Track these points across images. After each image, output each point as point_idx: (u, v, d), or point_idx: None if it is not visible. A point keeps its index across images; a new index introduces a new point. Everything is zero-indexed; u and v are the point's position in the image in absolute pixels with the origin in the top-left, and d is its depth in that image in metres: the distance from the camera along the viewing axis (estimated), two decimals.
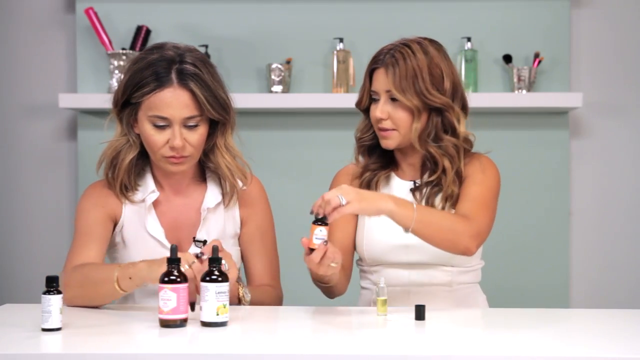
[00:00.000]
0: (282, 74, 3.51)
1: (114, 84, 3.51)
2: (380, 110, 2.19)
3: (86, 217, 2.18)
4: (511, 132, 3.59)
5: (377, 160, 2.29)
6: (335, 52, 3.53)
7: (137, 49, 3.53)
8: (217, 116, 2.14)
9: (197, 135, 2.13)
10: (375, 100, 2.22)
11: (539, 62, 3.53)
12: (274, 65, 3.51)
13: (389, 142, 2.21)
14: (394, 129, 2.19)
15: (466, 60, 3.50)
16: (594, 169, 3.67)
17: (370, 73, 2.23)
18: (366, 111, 2.27)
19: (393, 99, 2.18)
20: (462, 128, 2.21)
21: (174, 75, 2.09)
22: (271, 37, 3.60)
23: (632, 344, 1.75)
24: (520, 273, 3.55)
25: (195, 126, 2.12)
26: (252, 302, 2.10)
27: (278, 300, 2.27)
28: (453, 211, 2.19)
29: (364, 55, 3.58)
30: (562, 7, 3.58)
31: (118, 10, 3.59)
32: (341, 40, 3.54)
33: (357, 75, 3.56)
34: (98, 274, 2.04)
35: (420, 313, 1.93)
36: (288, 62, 3.53)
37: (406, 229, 2.03)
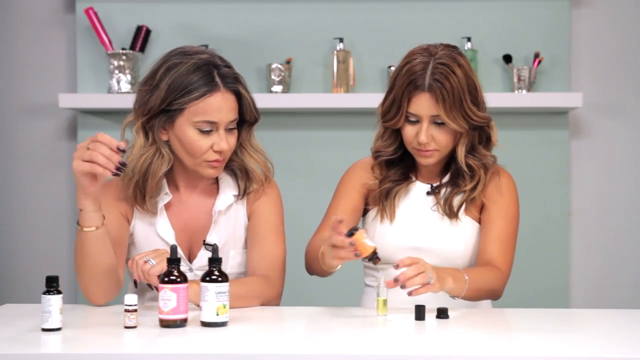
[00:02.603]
0: (282, 74, 3.51)
1: (114, 84, 3.51)
2: (425, 135, 2.15)
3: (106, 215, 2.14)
4: (511, 132, 3.59)
5: (398, 171, 2.28)
6: (335, 52, 3.53)
7: (137, 49, 3.53)
8: (255, 116, 2.18)
9: (234, 138, 2.15)
10: (413, 122, 2.18)
11: (539, 62, 3.53)
12: (274, 65, 3.51)
13: (430, 160, 2.21)
14: (436, 150, 2.19)
15: None
16: (594, 169, 3.67)
17: (409, 94, 2.15)
18: (387, 124, 2.23)
19: (437, 122, 2.15)
20: (495, 137, 2.24)
21: (218, 80, 2.10)
22: (271, 37, 3.60)
23: (632, 344, 1.75)
24: (520, 273, 3.54)
25: (233, 129, 2.14)
26: (231, 295, 1.88)
27: (270, 293, 2.17)
28: (469, 218, 2.23)
29: (364, 55, 3.59)
30: (562, 7, 3.58)
31: (118, 10, 3.59)
32: (341, 40, 3.54)
33: (357, 75, 3.57)
34: (76, 247, 2.06)
35: (420, 313, 1.93)
36: (288, 62, 3.53)
37: (453, 297, 2.07)
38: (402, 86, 2.15)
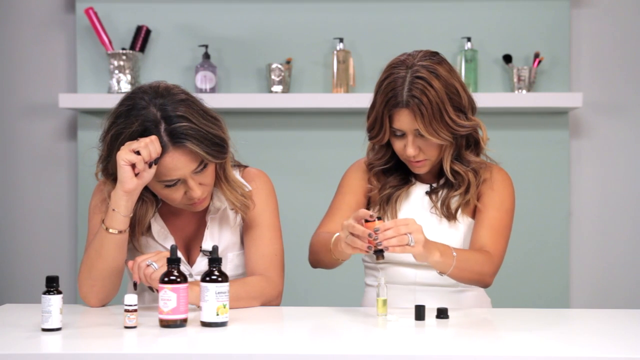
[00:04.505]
0: (282, 74, 3.51)
1: (114, 84, 3.51)
2: (412, 148, 2.15)
3: (99, 218, 2.13)
4: (511, 132, 3.59)
5: (396, 177, 2.28)
6: (335, 52, 3.53)
7: (137, 49, 3.53)
8: (218, 161, 2.08)
9: (209, 174, 2.09)
10: (399, 136, 2.17)
11: (539, 62, 3.53)
12: (274, 65, 3.51)
13: (423, 169, 2.22)
14: (426, 159, 2.19)
15: (466, 60, 3.50)
16: (594, 169, 3.67)
17: (389, 111, 2.14)
18: (373, 140, 2.23)
19: (422, 134, 2.14)
20: (485, 135, 2.23)
21: (166, 139, 2.00)
22: (271, 37, 3.60)
23: (632, 344, 1.75)
24: (520, 273, 3.55)
25: (204, 168, 2.07)
26: (231, 296, 1.91)
27: (271, 292, 2.16)
28: (467, 218, 2.24)
29: (364, 55, 3.59)
30: (562, 7, 3.58)
31: (118, 10, 3.59)
32: (341, 40, 3.54)
33: (357, 75, 3.57)
34: (93, 244, 2.07)
35: (420, 313, 1.93)
36: (288, 62, 3.53)
37: (441, 273, 2.07)
38: (382, 103, 2.14)
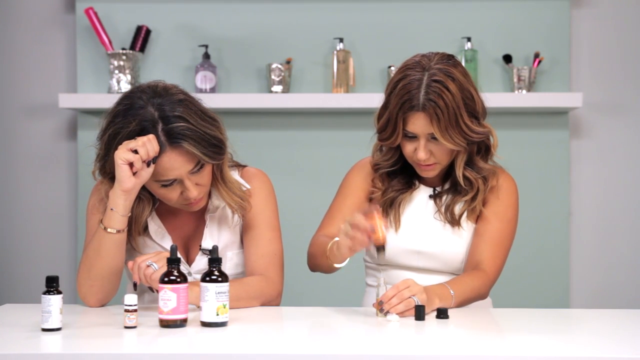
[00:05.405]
0: (282, 74, 3.51)
1: (114, 84, 3.51)
2: (423, 151, 2.13)
3: (97, 218, 2.13)
4: (511, 132, 3.59)
5: (400, 180, 2.27)
6: (335, 52, 3.53)
7: (137, 49, 3.53)
8: (215, 162, 2.07)
9: (206, 175, 2.09)
10: (410, 138, 2.15)
11: (539, 62, 3.53)
12: (274, 65, 3.51)
13: (431, 173, 2.20)
14: (436, 163, 2.18)
15: (466, 60, 3.50)
16: (594, 169, 3.67)
17: (404, 114, 2.12)
18: (384, 142, 2.21)
19: (435, 138, 2.12)
20: (495, 142, 2.21)
21: (163, 139, 2.00)
22: (271, 37, 3.60)
23: (632, 344, 1.75)
24: (520, 273, 3.55)
25: (201, 168, 2.07)
26: (231, 297, 1.90)
27: (270, 292, 2.15)
28: (471, 225, 2.23)
29: (364, 55, 3.59)
30: (562, 7, 3.58)
31: (118, 10, 3.59)
32: (341, 40, 3.54)
33: (357, 75, 3.57)
34: (91, 244, 2.07)
35: (420, 313, 1.93)
36: (288, 62, 3.53)
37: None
38: (397, 106, 2.11)
